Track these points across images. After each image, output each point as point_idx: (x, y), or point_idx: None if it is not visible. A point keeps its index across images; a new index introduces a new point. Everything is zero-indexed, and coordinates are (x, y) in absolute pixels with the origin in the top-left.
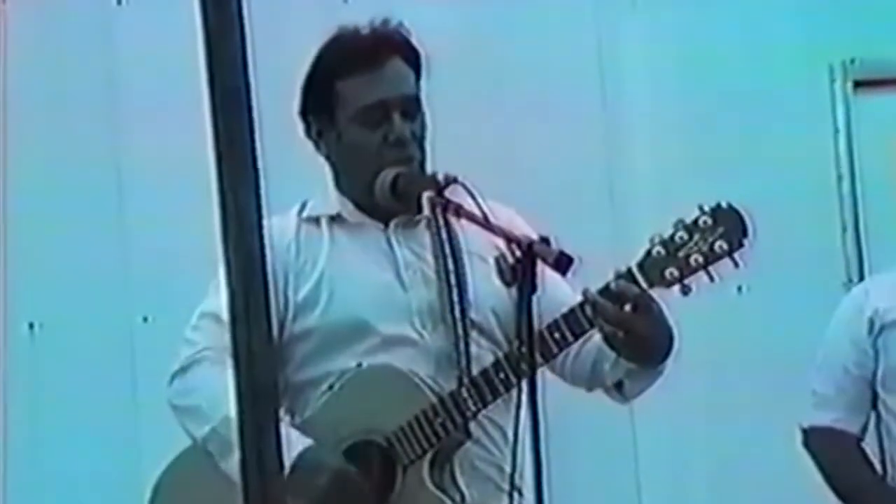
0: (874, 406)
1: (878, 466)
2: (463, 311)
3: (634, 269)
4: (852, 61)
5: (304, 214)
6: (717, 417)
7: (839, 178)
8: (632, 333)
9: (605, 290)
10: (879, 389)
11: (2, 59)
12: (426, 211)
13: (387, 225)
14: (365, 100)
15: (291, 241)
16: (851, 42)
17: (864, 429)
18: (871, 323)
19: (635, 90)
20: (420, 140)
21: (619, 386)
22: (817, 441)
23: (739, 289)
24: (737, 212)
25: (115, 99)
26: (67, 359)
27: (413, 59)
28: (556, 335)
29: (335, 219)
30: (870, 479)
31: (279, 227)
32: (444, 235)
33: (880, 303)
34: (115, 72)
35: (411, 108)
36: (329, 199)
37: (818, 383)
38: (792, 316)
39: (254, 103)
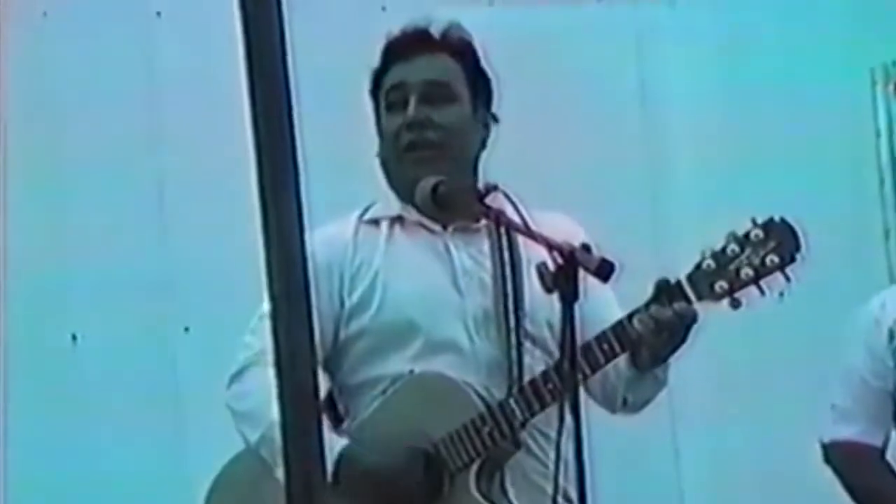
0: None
1: None
2: (518, 321)
3: (684, 282)
4: (894, 64)
5: (366, 217)
6: (761, 424)
7: (881, 181)
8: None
9: (654, 303)
10: None
11: (43, 71)
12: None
13: (445, 228)
14: (388, 84)
15: (349, 244)
16: (893, 45)
17: (887, 441)
18: (891, 333)
19: (674, 92)
20: (447, 130)
21: (624, 400)
22: (839, 455)
23: (781, 294)
24: (789, 226)
25: (156, 109)
26: (110, 370)
27: (461, 57)
28: (605, 346)
29: (395, 220)
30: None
31: (338, 230)
32: (504, 244)
33: None
34: (156, 82)
35: (436, 94)
36: (391, 202)
37: (837, 397)
38: (835, 321)
39: (294, 111)
